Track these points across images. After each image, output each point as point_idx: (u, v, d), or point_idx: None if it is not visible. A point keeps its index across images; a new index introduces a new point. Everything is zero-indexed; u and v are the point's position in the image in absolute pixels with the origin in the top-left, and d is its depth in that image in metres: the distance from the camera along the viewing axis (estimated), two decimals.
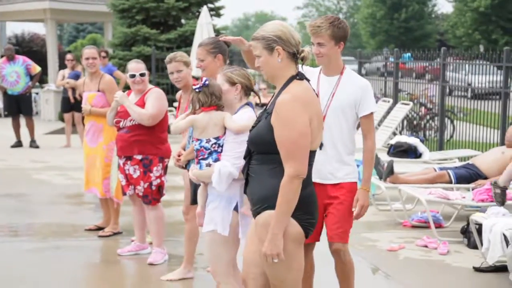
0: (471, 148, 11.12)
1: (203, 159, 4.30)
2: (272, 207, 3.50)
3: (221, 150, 4.24)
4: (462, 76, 13.19)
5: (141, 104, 6.28)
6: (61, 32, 48.37)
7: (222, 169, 4.08)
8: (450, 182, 7.95)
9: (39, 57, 20.55)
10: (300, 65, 3.73)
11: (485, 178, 7.88)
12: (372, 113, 4.60)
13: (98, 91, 7.30)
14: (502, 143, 9.58)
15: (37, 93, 20.04)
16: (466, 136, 11.68)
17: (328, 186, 4.56)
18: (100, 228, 7.59)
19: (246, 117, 4.17)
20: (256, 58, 3.68)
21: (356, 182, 4.63)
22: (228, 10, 18.80)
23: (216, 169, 4.12)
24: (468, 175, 7.96)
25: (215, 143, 4.28)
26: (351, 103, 4.54)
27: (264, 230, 3.52)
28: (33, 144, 14.16)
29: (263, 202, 3.56)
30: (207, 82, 4.36)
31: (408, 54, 14.27)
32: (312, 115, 3.53)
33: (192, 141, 4.49)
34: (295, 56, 3.63)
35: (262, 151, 3.60)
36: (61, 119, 17.59)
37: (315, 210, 3.65)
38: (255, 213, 3.62)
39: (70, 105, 13.93)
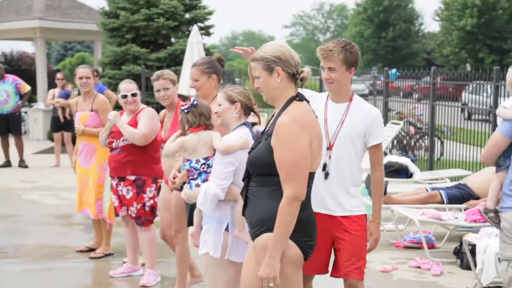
0: (461, 168, 11.15)
1: (192, 179, 4.31)
2: (271, 229, 3.48)
3: (210, 170, 4.21)
4: (483, 99, 12.14)
5: (134, 124, 6.26)
6: (49, 51, 48.27)
7: (207, 190, 4.06)
8: (442, 203, 7.95)
9: (28, 75, 20.42)
10: (300, 87, 3.72)
11: (477, 198, 7.89)
12: (381, 143, 4.43)
13: (92, 111, 7.28)
14: None
15: (25, 112, 19.96)
16: (455, 155, 11.71)
17: (337, 218, 4.33)
18: (91, 250, 7.54)
19: (237, 137, 4.11)
20: (256, 79, 3.67)
21: (365, 215, 4.44)
22: (216, 28, 18.82)
23: (201, 190, 4.11)
24: (460, 195, 7.97)
25: (204, 164, 4.28)
26: (360, 132, 4.34)
27: (262, 253, 3.50)
28: (22, 164, 14.08)
29: (262, 224, 3.54)
30: (195, 102, 4.36)
31: (394, 70, 14.32)
32: (312, 136, 3.53)
33: (183, 161, 4.49)
34: (295, 77, 3.63)
35: (261, 173, 3.58)
36: (50, 138, 17.52)
37: (314, 232, 3.64)
38: (254, 236, 3.60)
39: (60, 124, 13.88)
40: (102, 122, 7.14)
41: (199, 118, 4.35)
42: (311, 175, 3.59)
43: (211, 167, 4.22)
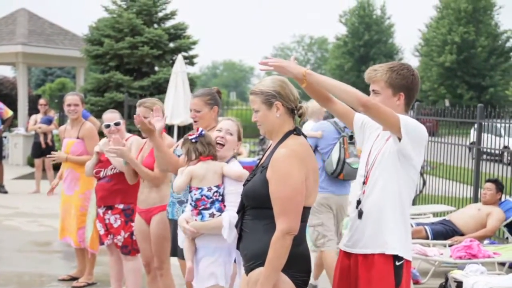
0: (443, 203, 11.21)
1: (205, 209, 4.26)
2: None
3: (222, 199, 4.25)
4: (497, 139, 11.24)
5: None
6: (29, 76, 48.16)
7: (232, 220, 4.06)
8: (427, 238, 7.98)
9: (9, 100, 20.32)
10: (298, 123, 3.73)
11: (462, 234, 7.94)
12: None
13: (78, 138, 7.25)
14: (476, 198, 9.69)
15: (5, 137, 19.82)
16: (436, 190, 11.77)
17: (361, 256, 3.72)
18: (74, 278, 7.45)
19: (239, 167, 4.26)
20: (254, 112, 3.68)
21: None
22: (198, 58, 18.91)
23: (225, 220, 4.12)
24: (445, 231, 8.01)
25: (216, 192, 4.28)
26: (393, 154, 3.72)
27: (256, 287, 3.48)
28: (1, 189, 13.93)
29: (257, 258, 3.52)
30: (203, 132, 4.39)
31: None
32: (308, 171, 3.53)
33: (190, 191, 4.43)
34: (293, 112, 3.65)
35: (256, 205, 3.57)
36: (30, 163, 17.38)
37: (309, 268, 3.62)
38: (248, 269, 3.58)
39: (41, 150, 13.79)
40: (87, 149, 7.11)
41: (208, 148, 4.38)
42: (306, 210, 3.58)
43: (222, 196, 4.26)
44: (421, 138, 3.64)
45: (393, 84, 3.74)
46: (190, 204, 4.38)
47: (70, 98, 7.35)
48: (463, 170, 10.69)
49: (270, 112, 3.61)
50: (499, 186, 8.34)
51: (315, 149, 6.79)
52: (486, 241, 8.20)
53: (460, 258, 7.07)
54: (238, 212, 3.72)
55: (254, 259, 3.54)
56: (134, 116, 5.20)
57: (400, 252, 3.60)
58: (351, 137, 6.67)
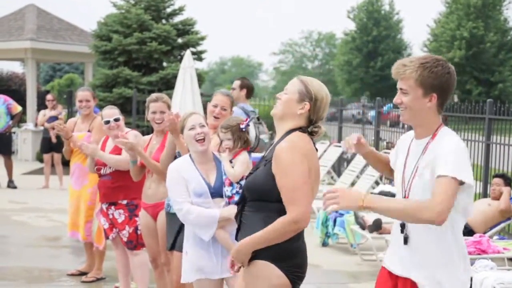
0: None
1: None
2: (263, 256, 3.46)
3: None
4: None
5: (119, 149, 6.22)
6: (37, 71, 48.31)
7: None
8: None
9: (18, 96, 20.36)
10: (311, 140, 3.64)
11: (471, 230, 7.90)
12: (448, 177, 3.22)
13: (89, 131, 7.26)
14: (485, 194, 9.65)
15: (14, 133, 19.88)
16: None
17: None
18: (83, 273, 7.46)
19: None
20: (278, 98, 3.64)
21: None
22: (206, 54, 18.90)
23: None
24: None
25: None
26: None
27: (253, 279, 3.50)
28: (11, 185, 13.98)
29: (254, 251, 3.52)
30: (250, 124, 4.44)
31: (389, 105, 14.41)
32: (311, 167, 3.50)
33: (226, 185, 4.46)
34: (311, 123, 3.60)
35: (257, 198, 3.55)
36: (39, 159, 17.43)
37: (304, 263, 3.60)
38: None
39: (51, 145, 13.82)
40: (93, 142, 7.10)
41: (249, 139, 4.49)
42: None
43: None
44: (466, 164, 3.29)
45: (424, 84, 3.30)
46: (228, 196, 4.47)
47: (82, 94, 7.35)
48: (472, 166, 10.64)
49: (297, 104, 3.57)
50: (507, 180, 8.30)
51: None
52: (496, 237, 8.17)
53: (470, 253, 7.04)
54: (237, 204, 3.72)
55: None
56: (170, 115, 5.15)
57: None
58: (258, 118, 6.77)
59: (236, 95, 8.09)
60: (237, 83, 8.45)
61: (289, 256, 3.47)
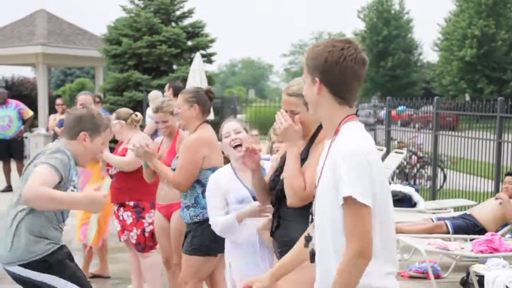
0: (463, 197, 11.13)
1: None
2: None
3: None
4: None
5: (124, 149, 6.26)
6: (48, 76, 48.58)
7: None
8: (448, 233, 7.93)
9: (29, 101, 20.49)
10: None
11: (483, 228, 7.87)
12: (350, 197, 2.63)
13: None
14: (497, 192, 9.60)
15: (26, 137, 19.97)
16: (457, 185, 11.69)
17: None
18: (95, 276, 7.48)
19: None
20: (291, 113, 3.62)
21: None
22: (216, 56, 18.95)
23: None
24: (466, 226, 7.95)
25: None
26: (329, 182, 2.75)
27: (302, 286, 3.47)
28: None
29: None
30: None
31: (403, 107, 14.39)
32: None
33: None
34: None
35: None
36: None
37: None
38: (281, 254, 3.56)
39: None
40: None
41: None
42: None
43: None
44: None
45: (308, 68, 2.81)
46: None
47: (82, 97, 7.41)
48: (484, 164, 10.61)
49: (309, 112, 3.60)
50: None
51: None
52: (508, 235, 8.13)
53: (482, 252, 7.02)
54: (273, 203, 3.76)
55: (290, 246, 3.46)
56: (134, 146, 5.27)
57: None
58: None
59: (165, 96, 9.77)
60: (166, 86, 10.25)
61: None
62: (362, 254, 2.60)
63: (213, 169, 5.01)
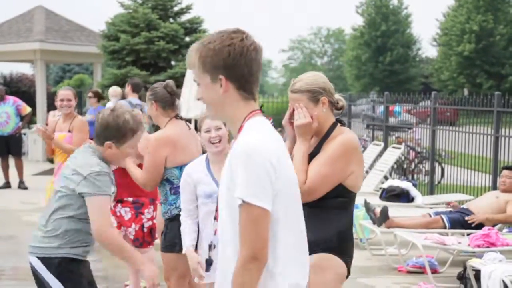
0: (461, 192, 11.15)
1: None
2: (326, 249, 3.56)
3: None
4: None
5: None
6: (47, 72, 48.51)
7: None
8: (444, 227, 7.95)
9: (27, 97, 20.44)
10: (338, 116, 3.81)
11: (480, 223, 7.88)
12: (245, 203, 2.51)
13: (69, 131, 7.25)
14: (494, 187, 9.63)
15: (24, 134, 19.97)
16: (455, 179, 11.72)
17: None
18: None
19: None
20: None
21: None
22: None
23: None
24: (462, 220, 7.97)
25: None
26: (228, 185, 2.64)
27: (320, 270, 3.53)
28: (21, 185, 14.05)
29: (317, 245, 3.55)
30: None
31: (399, 107, 14.41)
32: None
33: None
34: (333, 105, 3.73)
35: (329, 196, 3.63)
36: (49, 160, 17.46)
37: (353, 254, 3.79)
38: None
39: None
40: (73, 140, 7.09)
41: None
42: (353, 194, 3.70)
43: None
44: None
45: (206, 67, 2.64)
46: None
47: (63, 93, 7.32)
48: (481, 159, 10.63)
49: (316, 108, 3.64)
50: None
51: None
52: (505, 229, 8.15)
53: (479, 246, 7.04)
54: None
55: (315, 245, 3.49)
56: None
57: None
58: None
59: (126, 91, 10.78)
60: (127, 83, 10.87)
61: (348, 248, 3.69)
62: (253, 259, 2.46)
63: (180, 167, 5.00)
